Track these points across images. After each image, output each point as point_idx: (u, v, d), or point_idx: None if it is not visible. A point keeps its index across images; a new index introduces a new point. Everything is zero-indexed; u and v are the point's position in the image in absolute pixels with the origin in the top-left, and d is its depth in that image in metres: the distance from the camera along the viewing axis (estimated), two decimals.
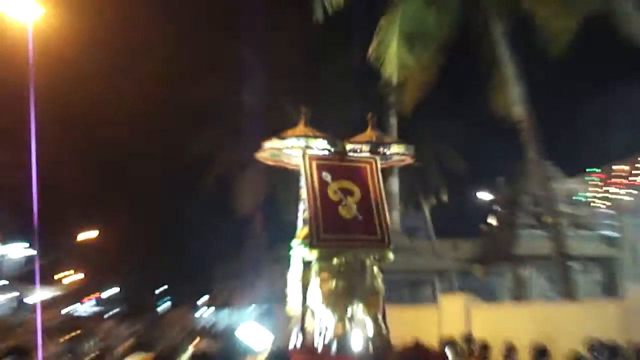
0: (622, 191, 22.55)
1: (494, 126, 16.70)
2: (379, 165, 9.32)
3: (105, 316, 41.86)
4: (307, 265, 8.85)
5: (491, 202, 22.43)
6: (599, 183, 23.06)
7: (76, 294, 45.85)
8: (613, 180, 22.42)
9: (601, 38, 15.63)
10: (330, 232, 8.72)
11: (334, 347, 8.36)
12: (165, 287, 66.16)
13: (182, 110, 27.99)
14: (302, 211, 9.26)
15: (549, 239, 14.38)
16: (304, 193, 9.06)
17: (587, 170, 23.62)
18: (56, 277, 42.61)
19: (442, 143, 27.35)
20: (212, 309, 50.37)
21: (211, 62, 29.15)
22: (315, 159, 9.10)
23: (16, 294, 36.10)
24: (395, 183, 19.98)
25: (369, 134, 9.61)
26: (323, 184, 8.93)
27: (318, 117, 23.87)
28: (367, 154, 9.38)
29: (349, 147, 9.36)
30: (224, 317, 39.32)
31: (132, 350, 9.09)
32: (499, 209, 19.85)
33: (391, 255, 9.07)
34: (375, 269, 8.87)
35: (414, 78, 15.50)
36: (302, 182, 9.07)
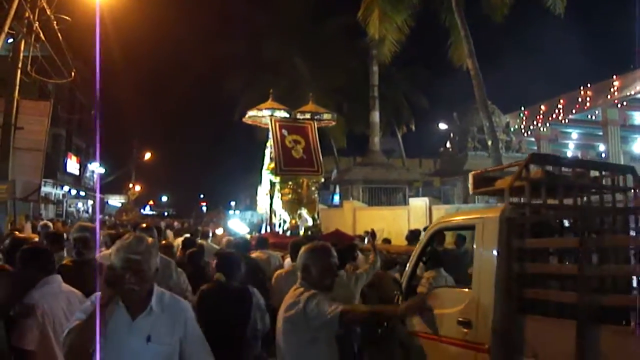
0: (542, 124, 22.87)
1: (451, 73, 16.92)
2: (315, 125, 11.41)
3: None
4: (272, 184, 10.93)
5: (447, 130, 22.71)
6: (526, 118, 23.33)
7: (138, 200, 46.55)
8: (536, 116, 22.66)
9: (529, 8, 15.77)
10: (287, 166, 10.78)
11: (288, 233, 10.42)
12: (203, 195, 66.87)
13: (217, 64, 27.90)
14: (269, 152, 11.13)
15: (489, 157, 14.81)
16: (270, 142, 11.03)
17: (519, 108, 23.84)
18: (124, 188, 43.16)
19: (412, 85, 27.33)
20: (238, 210, 51.17)
21: (238, 28, 28.69)
22: (278, 121, 11.10)
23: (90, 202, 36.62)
24: (376, 116, 20.12)
25: (310, 106, 11.84)
26: (282, 136, 10.93)
27: (318, 67, 23.59)
28: (309, 119, 11.44)
29: (298, 114, 11.46)
30: (246, 216, 40.01)
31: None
32: (453, 136, 20.14)
33: (322, 179, 11.59)
34: (313, 187, 11.10)
35: (391, 36, 15.57)
36: (270, 135, 11.04)
